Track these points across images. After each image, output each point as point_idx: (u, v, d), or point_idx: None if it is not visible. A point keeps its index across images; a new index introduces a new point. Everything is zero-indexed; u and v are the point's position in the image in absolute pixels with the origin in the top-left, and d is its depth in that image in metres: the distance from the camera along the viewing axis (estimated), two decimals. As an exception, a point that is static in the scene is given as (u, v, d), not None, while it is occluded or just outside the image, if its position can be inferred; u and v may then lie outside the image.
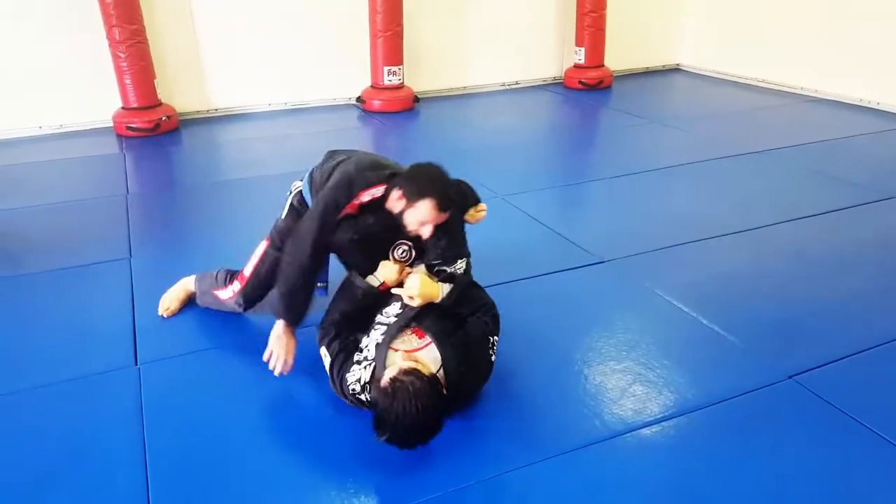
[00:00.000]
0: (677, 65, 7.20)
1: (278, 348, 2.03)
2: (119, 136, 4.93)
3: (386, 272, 2.05)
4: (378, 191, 1.99)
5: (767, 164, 4.20)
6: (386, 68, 5.54)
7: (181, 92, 5.30)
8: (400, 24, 5.46)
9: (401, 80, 5.66)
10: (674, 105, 6.21)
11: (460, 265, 2.05)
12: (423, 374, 1.71)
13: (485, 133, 5.16)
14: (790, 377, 2.14)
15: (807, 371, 2.16)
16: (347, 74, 5.73)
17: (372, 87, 5.69)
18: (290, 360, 2.04)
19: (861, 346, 2.30)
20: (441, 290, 1.99)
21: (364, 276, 2.05)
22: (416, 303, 1.95)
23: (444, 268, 2.04)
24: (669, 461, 1.83)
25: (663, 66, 7.17)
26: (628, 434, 1.91)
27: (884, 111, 5.36)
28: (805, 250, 3.03)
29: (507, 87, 6.53)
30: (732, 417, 1.98)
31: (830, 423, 1.95)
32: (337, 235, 2.00)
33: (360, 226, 2.00)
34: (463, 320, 2.02)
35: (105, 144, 4.78)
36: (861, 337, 2.35)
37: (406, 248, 2.09)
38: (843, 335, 2.36)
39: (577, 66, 6.41)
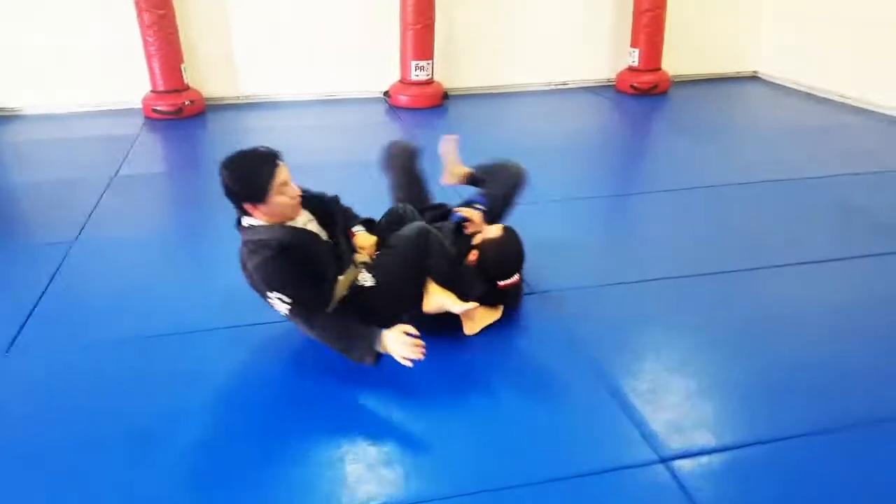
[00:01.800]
0: (754, 72, 6.66)
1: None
2: (146, 118, 5.25)
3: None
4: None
5: (804, 193, 3.75)
6: (414, 63, 5.53)
7: (210, 78, 5.58)
8: (431, 18, 5.44)
9: (429, 76, 5.64)
10: (732, 116, 5.75)
11: None
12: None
13: (516, 135, 4.99)
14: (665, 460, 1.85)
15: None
16: (377, 67, 5.79)
17: (400, 81, 5.70)
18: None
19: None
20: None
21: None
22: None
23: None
24: None
25: (737, 74, 6.65)
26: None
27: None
28: (799, 300, 2.67)
29: (553, 88, 6.32)
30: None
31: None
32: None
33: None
34: None
35: (129, 125, 5.11)
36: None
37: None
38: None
39: (630, 69, 6.10)
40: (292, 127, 5.15)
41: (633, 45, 6.00)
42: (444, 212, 2.69)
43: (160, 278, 2.84)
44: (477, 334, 2.36)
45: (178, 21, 5.16)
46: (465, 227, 2.57)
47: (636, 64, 6.02)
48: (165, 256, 3.10)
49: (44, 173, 4.24)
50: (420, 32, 5.44)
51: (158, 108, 5.19)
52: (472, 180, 2.76)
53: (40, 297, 2.67)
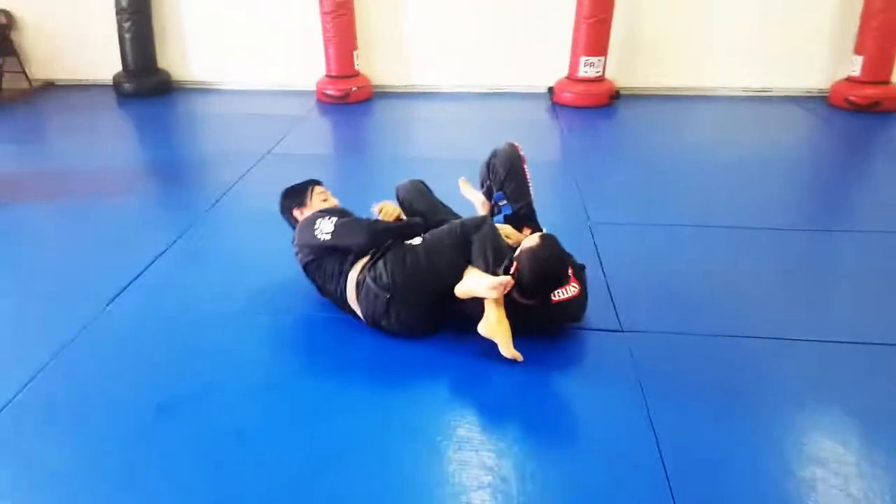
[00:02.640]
0: None
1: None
2: (318, 101, 5.62)
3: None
4: None
5: None
6: (583, 58, 5.25)
7: (379, 66, 5.80)
8: (608, 12, 5.11)
9: (600, 73, 5.31)
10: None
11: None
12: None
13: (696, 147, 4.55)
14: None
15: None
16: (544, 61, 5.60)
17: (567, 77, 5.45)
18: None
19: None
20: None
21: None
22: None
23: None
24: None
25: None
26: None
27: None
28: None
29: (750, 95, 5.62)
30: None
31: None
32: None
33: None
34: None
35: (301, 107, 5.51)
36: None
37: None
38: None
39: (849, 80, 5.20)
40: (452, 120, 5.19)
41: (858, 51, 5.09)
42: None
43: (272, 256, 2.92)
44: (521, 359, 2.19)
45: (357, 9, 5.42)
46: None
47: (857, 74, 5.10)
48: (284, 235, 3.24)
49: (213, 143, 4.75)
50: (594, 26, 5.13)
51: (328, 91, 5.52)
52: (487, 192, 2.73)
53: (152, 263, 2.95)
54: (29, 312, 2.61)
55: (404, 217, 2.62)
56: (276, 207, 2.71)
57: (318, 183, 2.72)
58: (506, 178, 2.63)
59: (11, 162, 4.43)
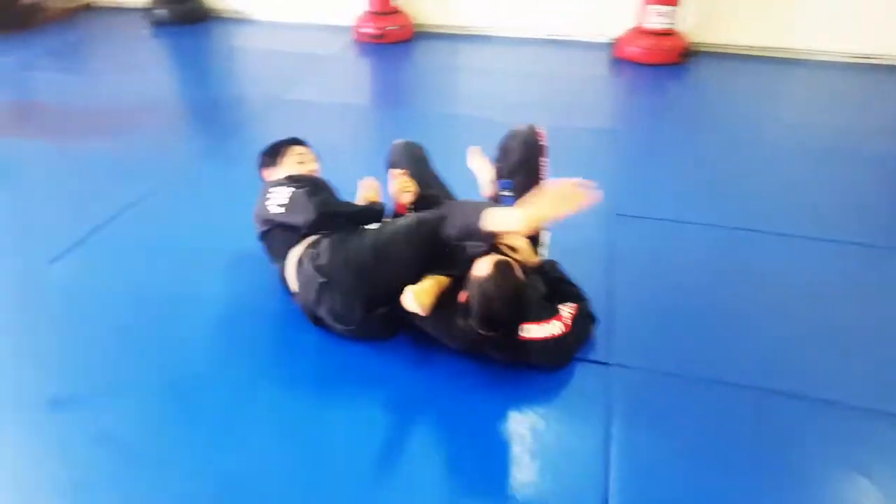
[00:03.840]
0: None
1: None
2: (355, 40, 5.27)
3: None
4: None
5: None
6: (653, 7, 4.64)
7: (423, 2, 5.35)
8: (687, -48, 4.45)
9: (672, 25, 4.70)
10: None
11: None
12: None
13: (772, 121, 3.95)
14: None
15: None
16: (611, 8, 5.00)
17: (633, 29, 4.86)
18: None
19: None
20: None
21: None
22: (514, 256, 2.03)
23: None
24: None
25: None
26: None
27: None
28: None
29: (854, 61, 4.85)
30: None
31: None
32: None
33: None
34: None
35: (334, 45, 5.18)
36: None
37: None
38: None
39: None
40: (499, 70, 4.72)
41: None
42: None
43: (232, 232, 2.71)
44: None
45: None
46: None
47: None
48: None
49: (229, 83, 4.55)
50: (669, -30, 4.50)
51: (364, 29, 5.16)
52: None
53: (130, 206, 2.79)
54: None
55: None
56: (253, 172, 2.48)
57: (298, 142, 2.48)
58: (517, 167, 2.28)
59: (26, 91, 4.36)
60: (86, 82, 4.48)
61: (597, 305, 2.21)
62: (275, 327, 2.20)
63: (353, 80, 4.70)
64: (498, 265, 1.82)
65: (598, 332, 2.17)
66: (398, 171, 2.37)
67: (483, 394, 1.95)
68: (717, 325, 2.22)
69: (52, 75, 4.60)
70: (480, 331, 1.84)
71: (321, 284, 1.97)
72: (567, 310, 2.03)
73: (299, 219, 2.05)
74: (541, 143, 2.29)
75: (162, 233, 2.75)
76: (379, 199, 2.36)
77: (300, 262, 2.05)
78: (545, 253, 2.36)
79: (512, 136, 2.32)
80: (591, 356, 2.09)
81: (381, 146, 2.63)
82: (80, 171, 3.28)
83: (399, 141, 2.52)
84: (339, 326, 2.06)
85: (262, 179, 2.43)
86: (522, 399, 1.94)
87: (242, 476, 1.71)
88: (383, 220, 2.17)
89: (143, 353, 2.11)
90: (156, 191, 3.03)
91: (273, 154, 2.40)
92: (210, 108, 4.10)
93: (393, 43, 5.17)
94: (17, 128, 3.73)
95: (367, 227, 2.08)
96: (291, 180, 2.17)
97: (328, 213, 2.04)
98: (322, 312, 2.04)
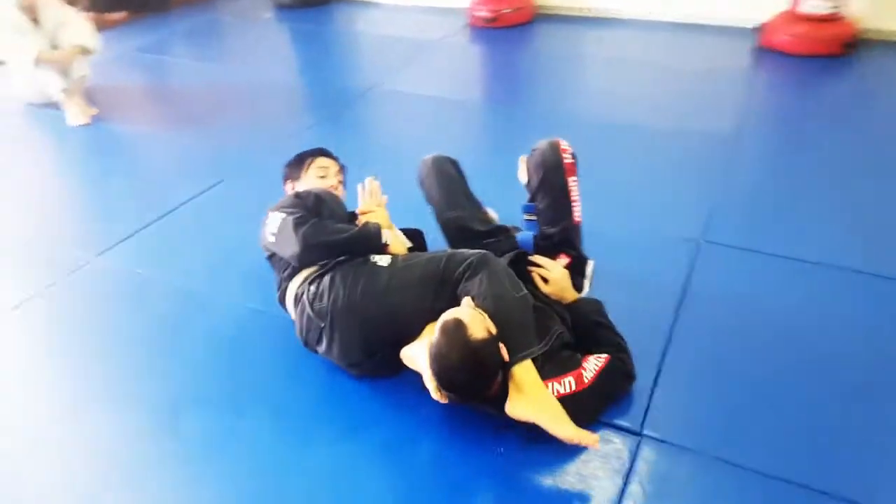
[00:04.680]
0: None
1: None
2: (469, 24, 5.04)
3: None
4: None
5: None
6: (813, -13, 3.98)
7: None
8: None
9: (836, 8, 4.00)
10: None
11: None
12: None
13: None
14: None
15: None
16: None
17: (787, 12, 4.20)
18: None
19: None
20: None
21: None
22: (546, 288, 1.92)
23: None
24: None
25: None
26: None
27: None
28: None
29: None
30: None
31: None
32: None
33: None
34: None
35: (446, 29, 4.99)
36: None
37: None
38: None
39: None
40: (624, 59, 4.29)
41: None
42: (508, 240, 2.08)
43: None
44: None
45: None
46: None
47: None
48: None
49: (331, 70, 4.52)
50: (836, -59, 3.81)
51: (477, 12, 4.93)
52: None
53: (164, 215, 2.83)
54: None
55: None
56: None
57: (324, 153, 2.31)
58: (537, 189, 2.02)
59: (149, 74, 4.63)
60: (203, 67, 4.65)
61: (644, 356, 1.88)
62: (285, 348, 2.07)
63: (457, 70, 4.46)
64: (446, 327, 1.56)
65: (639, 389, 1.83)
66: (371, 178, 2.16)
67: (481, 444, 1.71)
68: (802, 416, 1.76)
69: (174, 59, 4.85)
70: (446, 394, 1.60)
71: (321, 329, 1.84)
72: (594, 362, 1.72)
73: (287, 251, 1.88)
74: (564, 160, 1.98)
75: (220, 226, 2.75)
76: (382, 207, 2.13)
77: (297, 297, 1.91)
78: (587, 286, 2.03)
79: (532, 153, 2.04)
80: (619, 419, 1.76)
81: (476, 150, 2.40)
82: (168, 156, 3.40)
83: (428, 156, 2.28)
84: (342, 365, 1.92)
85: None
86: (528, 458, 1.67)
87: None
88: (386, 246, 1.95)
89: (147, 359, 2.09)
90: (221, 182, 3.06)
91: (296, 166, 2.26)
92: (305, 96, 4.11)
93: (508, 27, 4.88)
94: (129, 109, 3.93)
95: (376, 260, 1.87)
96: (294, 199, 2.00)
97: (314, 246, 1.85)
98: (321, 351, 1.90)
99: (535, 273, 1.96)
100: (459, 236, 2.13)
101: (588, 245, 2.12)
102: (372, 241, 1.91)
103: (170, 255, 2.59)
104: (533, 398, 1.62)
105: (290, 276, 1.95)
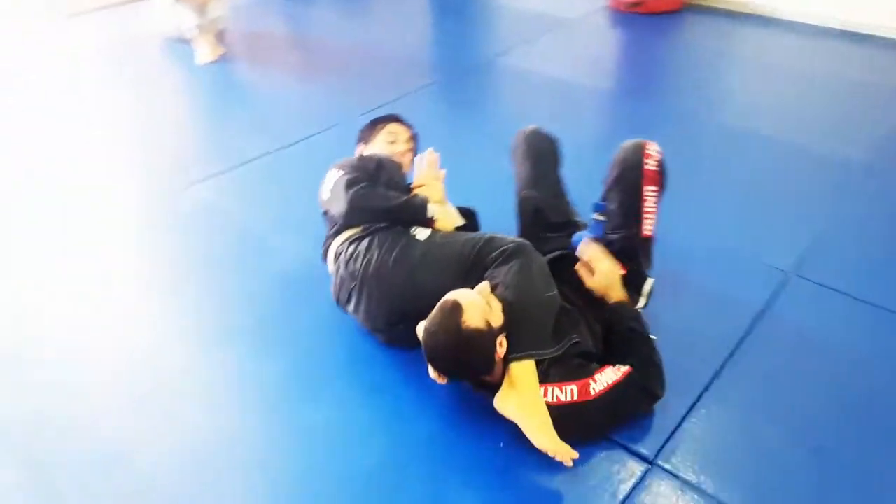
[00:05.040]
0: None
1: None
2: (611, 8, 4.81)
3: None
4: None
5: None
6: None
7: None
8: None
9: None
10: None
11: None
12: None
13: None
14: None
15: None
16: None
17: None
18: None
19: None
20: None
21: None
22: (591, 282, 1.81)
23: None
24: None
25: None
26: None
27: None
28: None
29: None
30: None
31: None
32: None
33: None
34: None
35: (581, 10, 4.80)
36: None
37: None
38: None
39: None
40: (776, 65, 3.89)
41: None
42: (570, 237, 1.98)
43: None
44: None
45: None
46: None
47: None
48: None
49: (452, 40, 4.46)
50: None
51: (622, -2, 4.69)
52: None
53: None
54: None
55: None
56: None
57: (396, 119, 2.31)
58: (611, 187, 1.86)
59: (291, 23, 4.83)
60: (343, 24, 4.73)
61: (686, 381, 1.76)
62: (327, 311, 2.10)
63: (587, 53, 4.25)
64: (444, 306, 1.52)
65: (669, 414, 1.69)
66: (430, 150, 2.11)
67: (483, 433, 1.65)
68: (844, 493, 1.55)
69: (319, 12, 4.99)
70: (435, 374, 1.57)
71: (351, 289, 1.86)
72: (609, 375, 1.60)
73: (336, 209, 1.93)
74: (646, 166, 1.80)
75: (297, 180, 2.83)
76: (438, 181, 2.08)
77: (336, 255, 1.93)
78: (642, 303, 1.88)
79: (618, 150, 1.88)
80: (635, 442, 1.63)
81: (585, 139, 2.32)
82: (284, 101, 3.54)
83: (528, 127, 2.19)
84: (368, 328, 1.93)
85: None
86: (527, 459, 1.59)
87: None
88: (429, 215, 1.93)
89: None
90: (334, 126, 3.17)
91: (369, 129, 2.28)
92: (432, 60, 4.12)
93: (653, 14, 4.60)
94: (259, 53, 4.13)
95: (416, 232, 1.86)
96: (356, 161, 2.05)
97: (359, 209, 1.88)
98: (349, 310, 1.92)
99: (582, 264, 1.85)
100: (531, 219, 2.06)
101: (667, 250, 1.96)
102: (416, 212, 1.90)
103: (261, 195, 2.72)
104: (520, 398, 1.54)
105: (336, 234, 1.98)
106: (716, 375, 1.82)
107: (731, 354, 1.89)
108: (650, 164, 1.80)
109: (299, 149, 3.03)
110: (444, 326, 1.51)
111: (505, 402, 1.54)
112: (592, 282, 1.82)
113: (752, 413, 1.72)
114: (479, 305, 1.53)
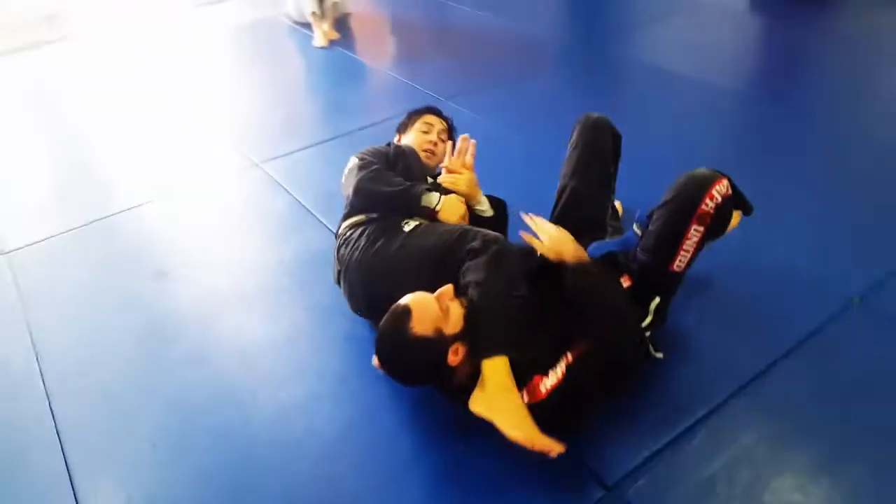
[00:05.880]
0: None
1: None
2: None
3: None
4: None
5: None
6: None
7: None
8: None
9: None
10: None
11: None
12: None
13: None
14: None
15: None
16: None
17: None
18: None
19: None
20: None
21: None
22: (542, 248, 1.72)
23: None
24: None
25: None
26: None
27: None
28: None
29: None
30: None
31: None
32: None
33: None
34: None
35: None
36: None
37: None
38: None
39: None
40: None
41: None
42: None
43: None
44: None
45: None
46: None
47: None
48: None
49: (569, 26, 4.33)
50: None
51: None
52: None
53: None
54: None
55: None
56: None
57: (432, 111, 2.31)
58: (660, 205, 1.69)
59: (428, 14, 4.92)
60: (477, 15, 4.67)
61: (693, 399, 1.59)
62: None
63: (719, 39, 3.89)
64: (395, 309, 1.53)
65: (651, 438, 1.52)
66: (464, 136, 2.01)
67: (446, 433, 1.61)
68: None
69: (455, 5, 4.96)
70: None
71: (338, 272, 1.92)
72: (559, 369, 1.48)
73: (346, 191, 1.98)
74: (702, 205, 1.60)
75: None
76: (469, 169, 2.01)
77: (336, 237, 1.99)
78: (648, 320, 1.69)
79: (684, 175, 1.70)
80: (603, 466, 1.49)
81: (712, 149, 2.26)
82: (383, 86, 3.64)
83: (590, 115, 2.02)
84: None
85: None
86: (482, 462, 1.53)
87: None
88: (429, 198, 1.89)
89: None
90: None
91: (406, 120, 2.30)
92: (554, 51, 4.02)
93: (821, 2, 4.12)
94: (376, 41, 4.29)
95: (404, 223, 1.85)
96: (377, 148, 2.07)
97: (363, 192, 1.90)
98: (341, 291, 1.96)
99: (526, 234, 1.73)
100: (565, 208, 1.95)
101: (726, 253, 1.82)
102: (411, 201, 1.88)
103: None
104: (488, 395, 1.46)
105: (345, 217, 2.01)
106: (735, 393, 1.62)
107: (758, 376, 1.67)
108: (708, 205, 1.60)
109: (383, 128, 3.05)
110: (390, 331, 1.51)
111: (475, 403, 1.47)
112: (542, 247, 1.69)
113: (742, 458, 1.49)
114: (430, 312, 1.49)
